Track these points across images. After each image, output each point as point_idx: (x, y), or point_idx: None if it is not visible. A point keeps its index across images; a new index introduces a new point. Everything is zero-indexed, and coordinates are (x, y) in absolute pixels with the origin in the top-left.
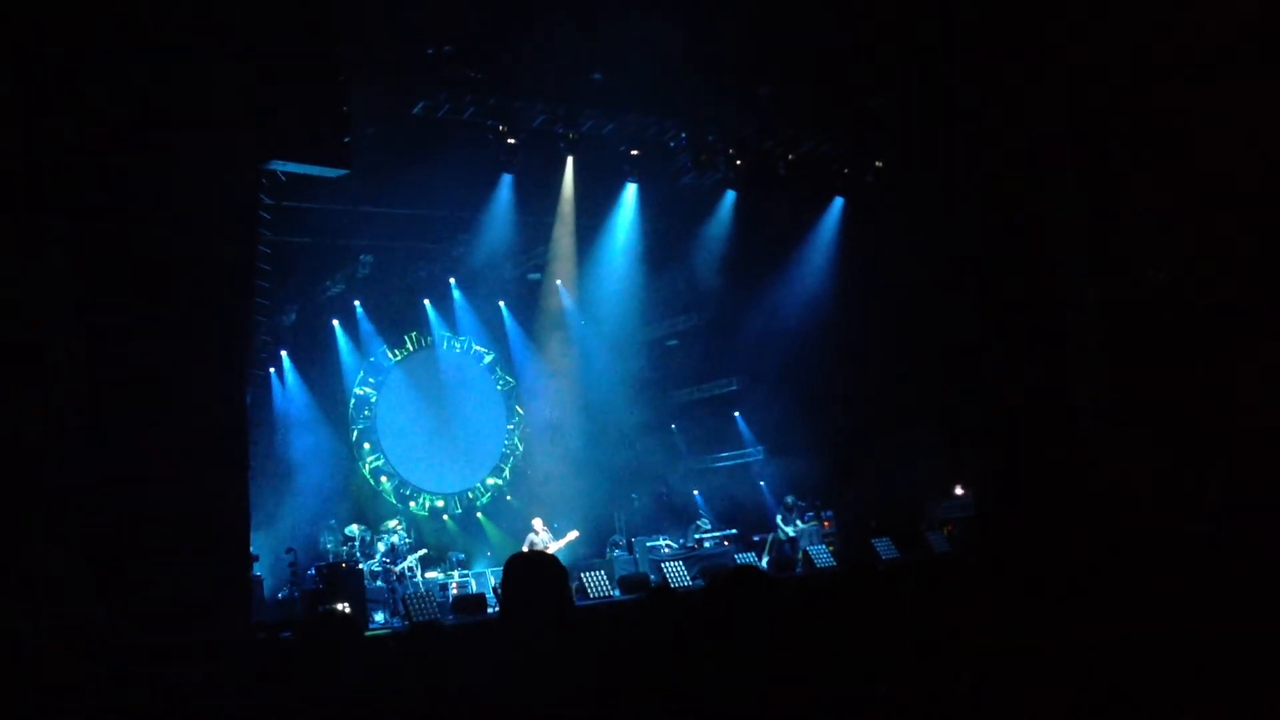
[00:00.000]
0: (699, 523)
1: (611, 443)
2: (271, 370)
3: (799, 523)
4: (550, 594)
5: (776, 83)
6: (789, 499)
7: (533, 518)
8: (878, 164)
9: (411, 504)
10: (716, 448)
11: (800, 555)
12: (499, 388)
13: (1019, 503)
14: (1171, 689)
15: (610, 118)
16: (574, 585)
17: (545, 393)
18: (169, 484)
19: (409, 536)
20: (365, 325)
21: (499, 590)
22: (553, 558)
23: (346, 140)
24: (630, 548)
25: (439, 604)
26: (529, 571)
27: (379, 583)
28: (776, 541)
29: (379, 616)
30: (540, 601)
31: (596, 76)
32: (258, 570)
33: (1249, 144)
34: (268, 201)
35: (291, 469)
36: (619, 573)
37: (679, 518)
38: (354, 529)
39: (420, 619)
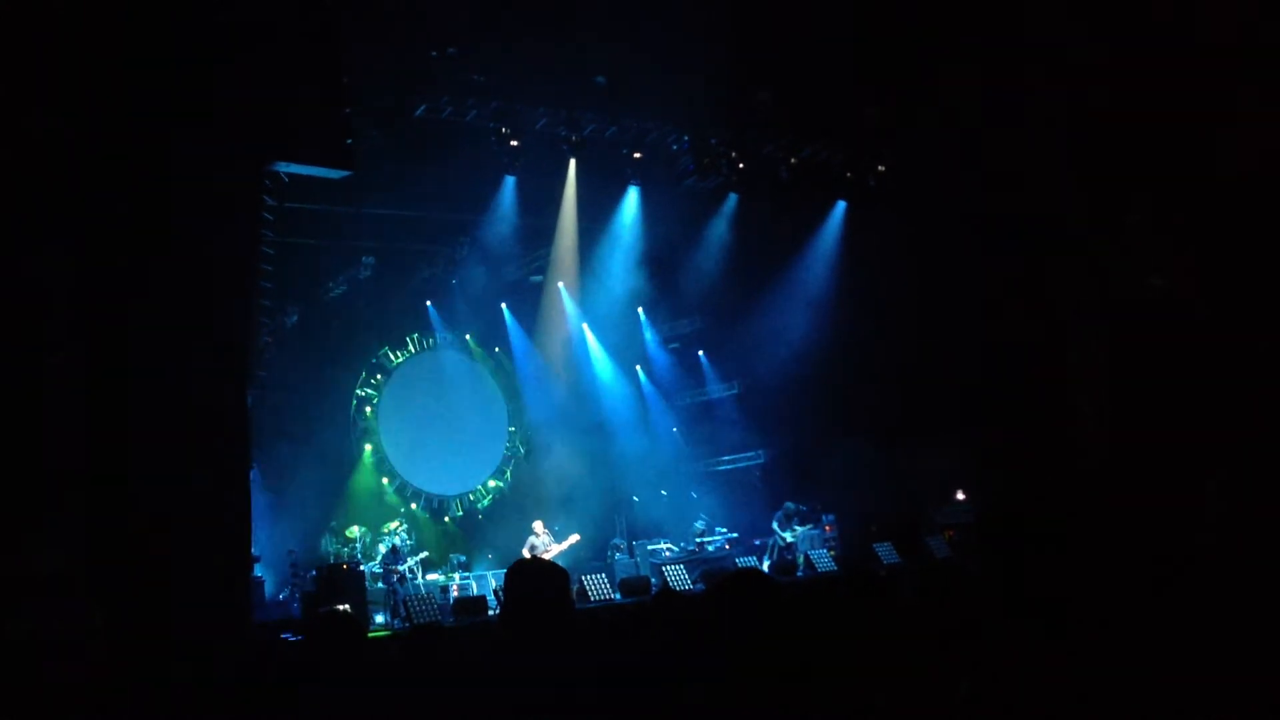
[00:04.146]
0: (696, 524)
1: (612, 446)
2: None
3: (797, 528)
4: (551, 601)
5: (778, 87)
6: (788, 505)
7: (534, 520)
8: (880, 168)
9: (413, 505)
10: (718, 451)
11: (799, 560)
12: (501, 390)
13: (1020, 509)
14: (1171, 697)
15: (612, 121)
16: (575, 588)
17: (547, 395)
18: (170, 485)
19: (410, 538)
20: (368, 326)
21: (500, 593)
22: (553, 565)
23: (349, 142)
24: (631, 551)
25: (440, 606)
26: (529, 582)
27: (380, 584)
28: (776, 546)
29: (380, 618)
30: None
31: (599, 80)
32: (259, 571)
33: (1251, 149)
34: (270, 202)
35: (293, 470)
36: (620, 576)
37: (680, 521)
38: (355, 530)
39: (421, 621)
